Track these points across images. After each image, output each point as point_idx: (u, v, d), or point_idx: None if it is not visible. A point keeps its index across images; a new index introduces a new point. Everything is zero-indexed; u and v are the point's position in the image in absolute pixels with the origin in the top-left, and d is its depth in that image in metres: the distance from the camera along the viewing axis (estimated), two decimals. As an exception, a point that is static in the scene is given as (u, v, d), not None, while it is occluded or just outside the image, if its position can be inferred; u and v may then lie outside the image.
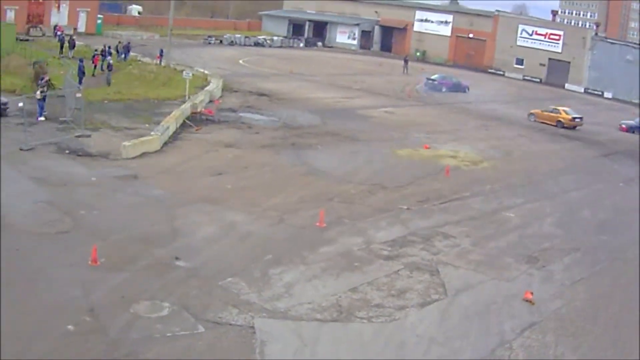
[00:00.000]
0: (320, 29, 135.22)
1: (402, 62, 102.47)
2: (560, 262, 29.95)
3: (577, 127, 68.02)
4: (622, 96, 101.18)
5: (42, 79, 46.43)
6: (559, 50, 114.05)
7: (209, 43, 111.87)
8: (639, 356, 21.82)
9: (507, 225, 34.66)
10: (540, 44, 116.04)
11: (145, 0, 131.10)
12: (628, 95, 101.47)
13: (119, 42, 78.86)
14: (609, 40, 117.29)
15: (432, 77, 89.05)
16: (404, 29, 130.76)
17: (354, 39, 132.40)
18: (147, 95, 56.87)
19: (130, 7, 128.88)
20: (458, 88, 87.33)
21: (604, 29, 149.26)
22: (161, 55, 75.45)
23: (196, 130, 46.87)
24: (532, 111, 71.29)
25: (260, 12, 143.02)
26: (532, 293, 25.46)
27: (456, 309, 24.14)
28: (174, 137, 44.10)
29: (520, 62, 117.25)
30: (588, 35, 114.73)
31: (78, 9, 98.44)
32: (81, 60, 57.99)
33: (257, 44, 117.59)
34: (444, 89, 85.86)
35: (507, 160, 49.79)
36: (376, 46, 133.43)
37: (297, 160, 42.34)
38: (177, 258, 25.39)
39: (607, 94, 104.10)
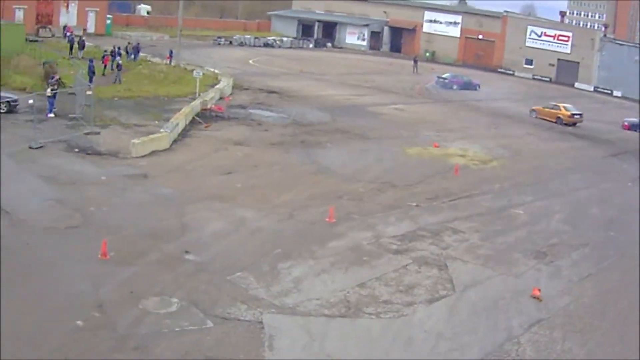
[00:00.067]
0: (329, 29, 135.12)
1: (412, 62, 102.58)
2: (568, 258, 29.96)
3: (577, 124, 68.11)
4: (631, 95, 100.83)
5: (53, 77, 46.74)
6: (568, 51, 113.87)
7: (219, 44, 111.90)
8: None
9: (516, 221, 34.68)
10: (549, 45, 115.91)
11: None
12: (637, 94, 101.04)
13: (129, 43, 78.98)
14: (617, 41, 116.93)
15: (443, 76, 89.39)
16: (413, 30, 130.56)
17: (363, 39, 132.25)
18: (157, 93, 57.16)
19: (139, 6, 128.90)
20: (469, 86, 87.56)
21: (613, 30, 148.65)
22: (171, 55, 75.56)
23: (205, 127, 46.95)
24: (533, 108, 71.68)
25: (270, 13, 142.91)
26: (539, 290, 25.45)
27: (464, 304, 24.14)
28: (184, 134, 44.21)
29: (529, 62, 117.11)
30: (597, 36, 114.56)
31: (87, 9, 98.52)
32: (91, 60, 58.17)
33: (266, 45, 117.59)
34: (454, 87, 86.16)
35: (516, 159, 49.68)
36: (386, 47, 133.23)
37: (307, 158, 42.38)
38: (186, 252, 25.51)
39: (617, 93, 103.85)
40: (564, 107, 69.53)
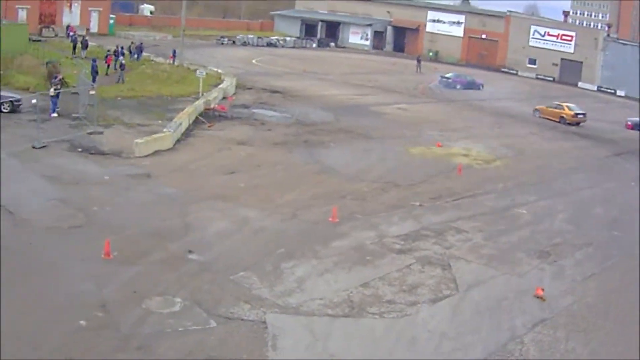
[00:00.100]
0: (332, 29, 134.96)
1: (415, 62, 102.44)
2: (571, 257, 29.98)
3: (581, 123, 67.98)
4: (634, 94, 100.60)
5: (56, 77, 46.67)
6: (571, 51, 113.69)
7: (222, 43, 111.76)
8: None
9: (519, 221, 34.66)
10: (552, 44, 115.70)
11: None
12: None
13: (132, 43, 78.88)
14: (620, 41, 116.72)
15: (447, 75, 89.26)
16: (416, 30, 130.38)
17: (366, 39, 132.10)
18: (161, 92, 57.15)
19: (142, 6, 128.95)
20: (472, 85, 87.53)
21: (616, 30, 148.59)
22: (174, 55, 75.51)
23: (209, 126, 46.96)
24: (536, 107, 71.71)
25: (273, 12, 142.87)
26: (543, 289, 25.44)
27: (467, 304, 24.16)
28: (187, 133, 44.19)
29: (533, 61, 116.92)
30: (600, 36, 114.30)
31: (90, 9, 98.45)
32: (94, 60, 58.21)
33: (269, 45, 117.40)
34: (458, 86, 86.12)
35: (519, 158, 49.63)
36: (389, 47, 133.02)
37: (310, 158, 42.38)
38: (190, 251, 25.52)
39: (620, 92, 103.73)
40: (568, 106, 69.41)
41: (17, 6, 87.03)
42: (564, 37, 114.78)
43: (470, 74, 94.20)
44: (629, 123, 70.88)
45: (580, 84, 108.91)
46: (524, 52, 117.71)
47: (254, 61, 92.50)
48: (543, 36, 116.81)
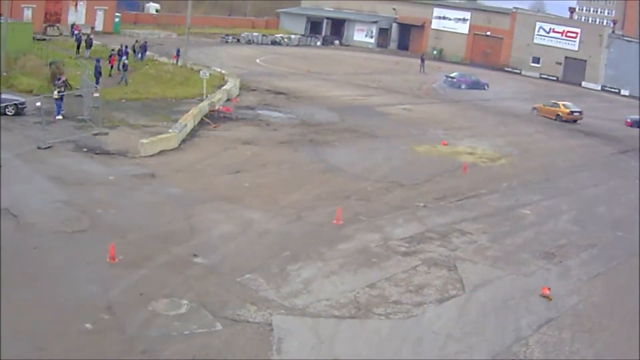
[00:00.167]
0: (338, 26, 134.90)
1: (419, 61, 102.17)
2: (577, 258, 29.98)
3: (577, 121, 69.53)
4: (637, 93, 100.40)
5: (59, 79, 46.72)
6: (576, 49, 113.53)
7: (227, 42, 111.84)
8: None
9: (524, 221, 34.65)
10: (557, 41, 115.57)
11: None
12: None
13: (136, 41, 78.39)
14: (626, 38, 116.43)
15: (452, 75, 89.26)
16: (421, 27, 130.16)
17: (371, 37, 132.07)
18: (165, 94, 57.03)
19: (148, 5, 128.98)
20: (477, 85, 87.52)
21: (621, 26, 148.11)
22: (178, 54, 75.32)
23: (214, 127, 47.01)
24: (535, 105, 73.05)
25: (278, 10, 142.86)
26: (549, 289, 25.45)
27: (474, 305, 24.17)
28: (192, 134, 44.25)
29: (536, 60, 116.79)
30: (605, 33, 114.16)
31: (96, 7, 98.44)
32: (98, 60, 58.06)
33: (274, 43, 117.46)
34: (463, 86, 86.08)
35: (524, 157, 49.71)
36: (393, 44, 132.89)
37: (315, 157, 42.43)
38: (194, 255, 25.51)
39: (624, 92, 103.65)
40: (563, 104, 71.47)
41: (22, 5, 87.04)
42: (568, 34, 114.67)
43: (474, 74, 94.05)
44: (629, 120, 72.03)
45: (584, 83, 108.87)
46: (528, 50, 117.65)
47: (258, 60, 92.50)
48: (548, 33, 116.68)
